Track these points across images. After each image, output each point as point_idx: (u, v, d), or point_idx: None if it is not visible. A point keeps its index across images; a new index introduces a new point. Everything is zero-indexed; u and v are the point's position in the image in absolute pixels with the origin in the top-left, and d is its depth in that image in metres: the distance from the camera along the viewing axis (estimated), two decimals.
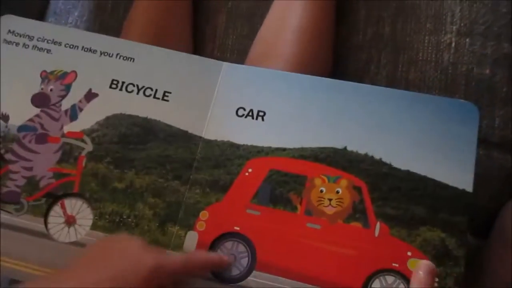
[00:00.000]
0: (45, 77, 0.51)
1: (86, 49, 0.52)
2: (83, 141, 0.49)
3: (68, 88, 0.51)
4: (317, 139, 0.48)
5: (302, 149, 0.48)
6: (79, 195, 0.48)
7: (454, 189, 0.45)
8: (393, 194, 0.46)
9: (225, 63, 0.51)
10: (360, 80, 0.62)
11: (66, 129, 0.50)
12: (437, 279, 0.42)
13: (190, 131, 0.50)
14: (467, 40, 0.60)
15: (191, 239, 0.46)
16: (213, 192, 0.48)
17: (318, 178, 0.47)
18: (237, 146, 0.49)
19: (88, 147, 0.49)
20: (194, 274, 0.44)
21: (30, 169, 0.48)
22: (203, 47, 0.63)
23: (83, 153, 0.49)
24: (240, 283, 0.45)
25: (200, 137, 0.49)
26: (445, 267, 0.43)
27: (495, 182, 0.58)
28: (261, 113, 0.49)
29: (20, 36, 0.52)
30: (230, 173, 0.48)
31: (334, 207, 0.46)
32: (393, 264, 0.44)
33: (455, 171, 0.45)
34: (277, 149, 0.48)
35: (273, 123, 0.49)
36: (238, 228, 0.46)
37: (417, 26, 0.61)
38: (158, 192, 0.48)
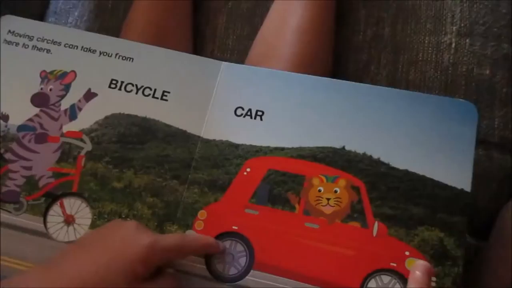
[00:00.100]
0: (45, 77, 0.51)
1: (85, 49, 0.52)
2: (82, 140, 0.49)
3: (67, 88, 0.51)
4: (316, 139, 0.48)
5: (301, 148, 0.48)
6: (78, 194, 0.48)
7: (453, 188, 0.45)
8: (391, 193, 0.46)
9: (224, 62, 0.52)
10: (360, 80, 0.62)
11: (65, 128, 0.50)
12: (434, 279, 0.42)
13: (188, 130, 0.50)
14: (467, 40, 0.60)
15: None
16: (212, 191, 0.48)
17: (316, 177, 0.47)
18: (236, 146, 0.49)
19: (87, 146, 0.49)
20: (189, 254, 0.45)
21: (29, 168, 0.49)
22: (203, 47, 0.63)
23: (82, 153, 0.49)
24: (238, 282, 0.45)
25: (199, 137, 0.49)
26: (443, 267, 0.43)
27: (495, 183, 0.58)
28: (259, 113, 0.49)
29: (20, 36, 0.52)
30: (229, 173, 0.48)
31: (332, 206, 0.46)
32: (391, 264, 0.44)
33: (454, 170, 0.45)
34: (276, 148, 0.48)
35: (271, 123, 0.49)
36: (236, 228, 0.46)
37: (417, 26, 0.62)
38: (157, 192, 0.48)
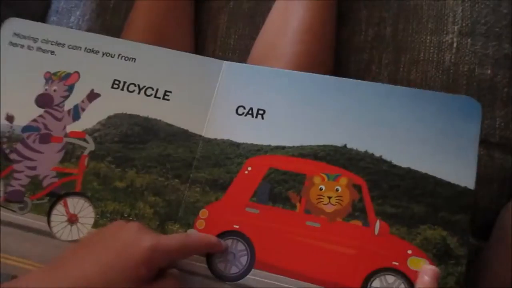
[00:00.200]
0: (49, 78, 0.52)
1: (88, 50, 0.52)
2: (85, 140, 0.50)
3: (71, 88, 0.51)
4: (317, 137, 0.48)
5: (302, 147, 0.48)
6: (81, 194, 0.49)
7: (456, 186, 0.44)
8: (393, 192, 0.45)
9: (225, 61, 0.52)
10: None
11: (68, 129, 0.50)
12: None
13: (190, 130, 0.50)
14: (469, 40, 0.60)
15: None
16: (213, 190, 0.48)
17: (318, 176, 0.47)
18: (237, 145, 0.49)
19: (90, 146, 0.50)
20: (191, 253, 0.45)
21: (33, 168, 0.49)
22: (204, 47, 0.64)
23: (85, 153, 0.50)
24: (239, 281, 0.45)
25: (200, 136, 0.49)
26: (446, 266, 0.43)
27: (496, 183, 0.57)
28: (261, 112, 0.49)
29: (25, 38, 0.53)
30: (230, 172, 0.48)
31: (334, 205, 0.46)
32: (393, 263, 0.43)
33: (457, 168, 0.45)
34: (277, 147, 0.48)
35: (272, 122, 0.49)
36: (237, 227, 0.46)
37: (418, 26, 0.61)
38: (158, 191, 0.48)
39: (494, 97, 0.58)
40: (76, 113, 0.51)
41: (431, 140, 0.46)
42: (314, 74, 0.50)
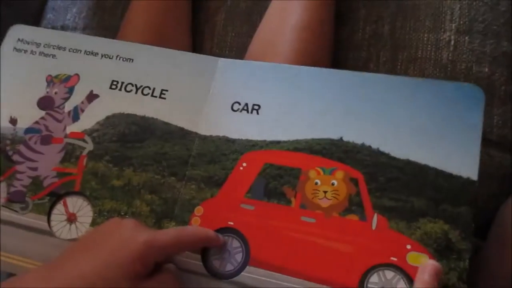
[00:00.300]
0: (50, 81, 0.53)
1: (88, 52, 0.53)
2: (84, 141, 0.51)
3: (71, 90, 0.52)
4: (313, 131, 0.47)
5: (297, 141, 0.47)
6: (80, 193, 0.49)
7: (458, 177, 0.42)
8: (391, 184, 0.43)
9: (221, 59, 0.51)
10: None
11: (68, 129, 0.51)
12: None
13: (186, 127, 0.50)
14: (466, 38, 0.59)
15: None
16: (208, 187, 0.47)
17: (313, 170, 0.45)
18: (232, 141, 0.48)
19: (89, 146, 0.50)
20: (188, 247, 0.44)
21: (35, 169, 0.50)
22: (202, 45, 0.64)
23: (84, 153, 0.50)
24: (233, 279, 0.44)
25: (196, 134, 0.49)
26: (448, 261, 0.40)
27: (494, 181, 0.56)
28: (256, 107, 0.49)
29: (28, 43, 0.55)
30: (225, 168, 0.48)
31: (329, 199, 0.44)
32: (392, 259, 0.41)
33: (459, 158, 0.42)
34: (272, 142, 0.47)
35: (267, 116, 0.48)
36: (232, 223, 0.46)
37: (416, 24, 0.61)
38: (155, 189, 0.48)
39: (491, 95, 0.57)
40: (75, 114, 0.52)
41: (431, 130, 0.44)
42: (309, 67, 0.49)
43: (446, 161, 0.43)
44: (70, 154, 0.50)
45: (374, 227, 0.43)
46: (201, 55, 0.53)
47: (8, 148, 0.51)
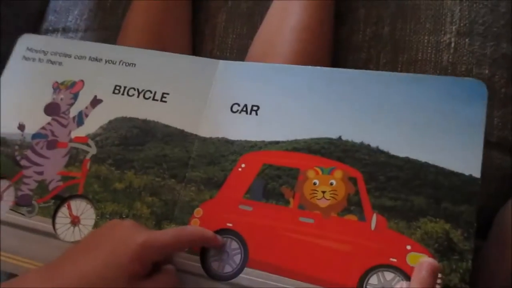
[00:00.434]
0: (57, 87, 0.54)
1: (92, 59, 0.55)
2: (88, 145, 0.51)
3: (76, 96, 0.54)
4: (311, 130, 0.46)
5: (296, 141, 0.46)
6: (83, 196, 0.50)
7: (460, 175, 0.41)
8: (391, 183, 0.42)
9: (221, 61, 0.51)
10: None
11: (73, 134, 0.52)
12: (440, 275, 0.38)
13: (186, 130, 0.50)
14: (467, 40, 0.59)
15: None
16: (207, 189, 0.47)
17: (312, 170, 0.45)
18: (231, 142, 0.48)
19: (93, 150, 0.51)
20: (186, 246, 0.44)
21: (41, 173, 0.51)
22: (202, 47, 0.64)
23: (88, 156, 0.51)
24: (232, 280, 0.44)
25: (196, 135, 0.49)
26: (450, 262, 0.39)
27: (494, 183, 0.55)
28: (255, 108, 0.48)
29: (36, 52, 0.56)
30: (224, 170, 0.47)
31: (328, 199, 0.43)
32: (391, 259, 0.40)
33: (461, 155, 0.41)
34: (270, 142, 0.47)
35: (266, 117, 0.48)
36: (230, 225, 0.45)
37: (416, 26, 0.61)
38: (155, 191, 0.49)
39: (491, 97, 0.56)
40: (80, 119, 0.53)
41: (432, 127, 0.43)
42: (308, 66, 0.48)
43: (447, 158, 0.41)
44: (74, 158, 0.51)
45: (373, 227, 0.41)
46: (202, 58, 0.53)
47: (16, 153, 0.53)
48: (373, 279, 0.40)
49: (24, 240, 0.49)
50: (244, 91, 0.49)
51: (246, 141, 0.48)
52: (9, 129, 0.53)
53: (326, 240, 0.42)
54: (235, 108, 0.49)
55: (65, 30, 0.70)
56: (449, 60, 0.58)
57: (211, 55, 0.64)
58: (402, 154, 0.43)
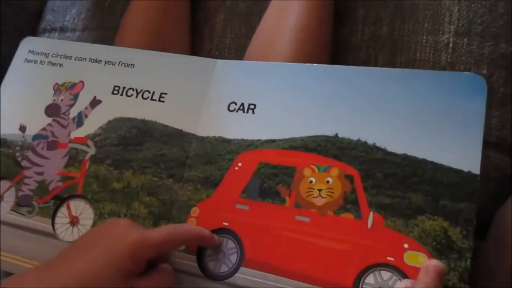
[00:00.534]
0: (57, 89, 0.55)
1: (92, 60, 0.55)
2: (87, 145, 0.52)
3: (76, 97, 0.54)
4: (308, 128, 0.45)
5: (292, 139, 0.46)
6: (82, 196, 0.50)
7: (458, 172, 0.40)
8: (388, 181, 0.41)
9: (219, 60, 0.51)
10: None
11: (73, 135, 0.53)
12: None
13: (184, 129, 0.50)
14: (465, 40, 0.58)
15: None
16: (204, 188, 0.47)
17: (308, 168, 0.44)
18: (228, 141, 0.48)
19: (92, 150, 0.51)
20: (180, 244, 0.44)
21: (41, 174, 0.52)
22: (201, 46, 0.64)
23: (87, 157, 0.51)
24: (228, 280, 0.43)
25: (194, 135, 0.49)
26: (448, 260, 0.38)
27: (492, 183, 0.55)
28: (251, 106, 0.48)
29: (38, 54, 0.57)
30: (221, 169, 0.47)
31: (324, 198, 0.43)
32: (388, 258, 0.39)
33: (460, 151, 0.40)
34: (267, 141, 0.47)
35: (263, 116, 0.47)
36: (227, 224, 0.45)
37: (415, 26, 0.61)
38: (153, 191, 0.48)
39: (490, 97, 0.56)
40: (79, 120, 0.53)
41: (430, 123, 0.42)
42: (304, 64, 0.48)
43: (445, 155, 0.40)
44: (73, 159, 0.52)
45: (369, 225, 0.41)
46: (200, 58, 0.53)
47: (17, 154, 0.53)
48: (370, 278, 0.39)
49: (24, 240, 0.49)
50: (241, 89, 0.49)
51: (243, 140, 0.47)
52: (11, 130, 0.54)
53: (322, 239, 0.42)
54: (232, 107, 0.49)
55: (62, 30, 0.70)
56: (447, 60, 0.58)
57: (209, 55, 0.64)
58: (399, 150, 0.42)
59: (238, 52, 0.62)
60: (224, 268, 0.44)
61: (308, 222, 0.43)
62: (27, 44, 0.58)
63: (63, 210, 0.50)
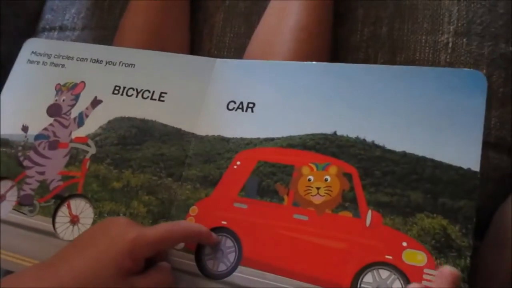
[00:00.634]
0: (59, 89, 0.55)
1: (93, 60, 0.55)
2: (87, 145, 0.52)
3: (77, 97, 0.54)
4: (306, 126, 0.45)
5: (291, 137, 0.45)
6: (82, 195, 0.50)
7: (458, 169, 0.39)
8: (386, 179, 0.41)
9: (218, 59, 0.51)
10: None
11: (74, 135, 0.53)
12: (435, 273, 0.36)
13: (183, 128, 0.50)
14: (464, 40, 0.58)
15: None
16: (203, 187, 0.47)
17: (306, 166, 0.44)
18: (227, 140, 0.48)
19: (92, 150, 0.52)
20: (178, 241, 0.44)
21: (42, 173, 0.52)
22: (200, 46, 0.64)
23: (87, 156, 0.52)
24: (226, 279, 0.43)
25: (193, 134, 0.49)
26: (447, 259, 0.37)
27: (491, 183, 0.54)
28: (250, 105, 0.48)
29: (41, 55, 0.57)
30: (220, 168, 0.47)
31: (322, 196, 0.42)
32: (387, 257, 0.39)
33: (459, 148, 0.40)
34: (266, 139, 0.46)
35: (262, 114, 0.47)
36: (225, 223, 0.45)
37: (414, 26, 0.61)
38: (152, 190, 0.49)
39: (489, 97, 0.55)
40: (80, 119, 0.53)
41: (429, 120, 0.41)
42: (303, 62, 0.48)
43: (445, 152, 0.40)
44: (74, 158, 0.52)
45: (368, 224, 0.40)
46: (199, 57, 0.53)
47: (19, 154, 0.53)
48: (368, 277, 0.39)
49: (25, 239, 0.50)
50: (240, 88, 0.49)
51: (242, 139, 0.47)
52: (13, 131, 0.54)
53: (320, 238, 0.41)
54: (231, 105, 0.49)
55: (62, 29, 0.71)
56: (446, 60, 0.58)
57: (209, 54, 0.64)
58: (398, 148, 0.41)
59: (237, 51, 0.62)
60: (222, 267, 0.44)
61: (306, 221, 0.42)
62: (30, 45, 0.58)
63: (63, 209, 0.50)
